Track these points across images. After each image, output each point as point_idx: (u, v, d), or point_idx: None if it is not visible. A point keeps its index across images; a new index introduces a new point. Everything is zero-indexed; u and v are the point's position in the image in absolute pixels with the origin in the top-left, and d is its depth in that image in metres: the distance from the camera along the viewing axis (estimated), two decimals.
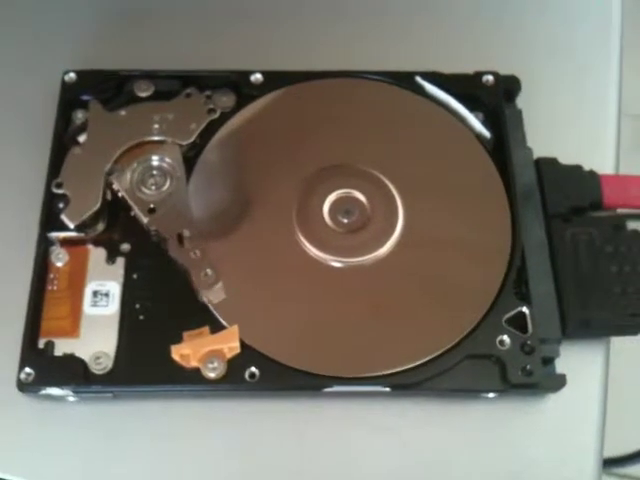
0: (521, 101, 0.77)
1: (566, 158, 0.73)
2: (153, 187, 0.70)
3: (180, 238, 0.68)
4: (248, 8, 0.83)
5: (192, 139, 0.72)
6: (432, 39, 0.82)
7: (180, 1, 0.84)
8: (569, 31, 0.83)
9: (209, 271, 0.66)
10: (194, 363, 0.63)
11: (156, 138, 0.72)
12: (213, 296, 0.66)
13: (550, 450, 0.66)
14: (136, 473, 0.64)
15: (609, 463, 1.11)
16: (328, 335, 0.66)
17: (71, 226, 0.68)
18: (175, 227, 0.68)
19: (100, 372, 0.64)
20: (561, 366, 0.66)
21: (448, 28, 0.83)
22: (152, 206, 0.68)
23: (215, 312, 0.66)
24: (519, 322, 0.66)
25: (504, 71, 0.76)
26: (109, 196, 0.70)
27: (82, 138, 0.73)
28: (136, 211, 0.68)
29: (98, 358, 0.64)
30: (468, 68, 0.76)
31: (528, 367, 0.64)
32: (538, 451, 0.66)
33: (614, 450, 1.09)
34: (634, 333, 0.68)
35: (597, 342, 0.69)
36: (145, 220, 0.67)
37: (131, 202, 0.68)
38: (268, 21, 0.82)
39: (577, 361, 0.68)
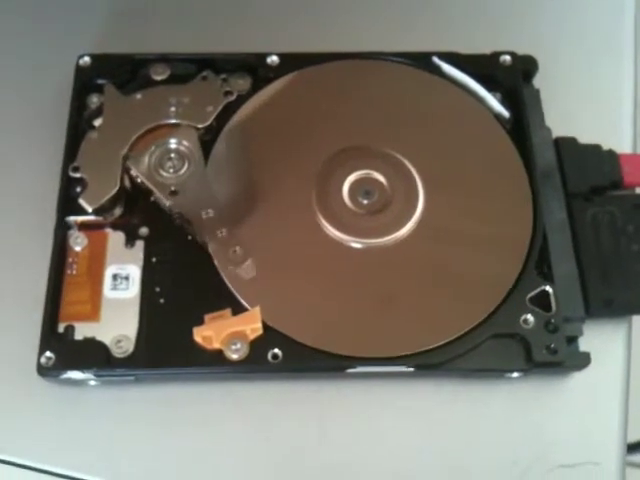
0: (538, 81, 0.76)
1: (584, 138, 0.73)
2: (171, 170, 0.69)
3: (197, 221, 0.67)
4: None
5: (209, 122, 0.72)
6: (448, 19, 0.82)
7: None
8: (585, 9, 0.83)
9: (238, 249, 0.65)
10: (216, 345, 0.63)
11: (172, 121, 0.72)
12: (244, 273, 0.66)
13: (574, 429, 0.66)
14: (159, 457, 0.64)
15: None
16: (350, 316, 0.65)
17: (89, 210, 0.68)
18: (198, 208, 0.67)
19: (121, 355, 0.64)
20: (583, 345, 0.66)
21: (464, 8, 0.82)
22: (173, 189, 0.68)
23: (237, 294, 0.65)
24: (542, 301, 0.65)
25: (520, 51, 0.76)
26: (127, 181, 0.69)
27: (97, 122, 0.72)
28: (157, 194, 0.68)
29: (119, 341, 0.64)
30: (483, 48, 0.76)
31: (552, 345, 0.63)
32: (562, 430, 0.66)
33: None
34: None
35: (619, 321, 0.69)
36: (168, 203, 0.67)
37: (151, 186, 0.68)
38: (284, 2, 0.81)
39: (600, 340, 0.67)
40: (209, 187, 0.68)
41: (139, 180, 0.69)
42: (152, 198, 0.69)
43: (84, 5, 0.81)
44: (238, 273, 0.65)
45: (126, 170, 0.69)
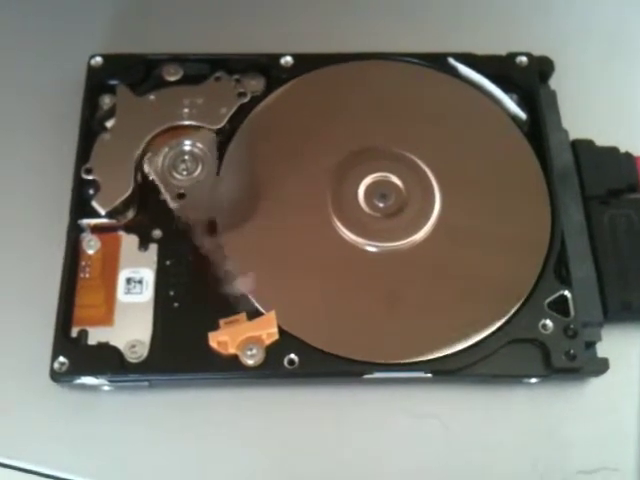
0: (553, 82, 0.76)
1: (601, 140, 0.72)
2: (184, 172, 0.69)
3: (211, 224, 0.67)
4: None
5: (222, 123, 0.71)
6: (463, 20, 0.81)
7: None
8: (601, 10, 0.82)
9: (232, 263, 0.64)
10: (232, 350, 0.62)
11: (186, 123, 0.71)
12: (239, 286, 0.65)
13: (592, 435, 0.65)
14: (174, 463, 0.63)
15: None
16: (367, 320, 0.65)
17: (102, 213, 0.67)
18: (202, 215, 0.67)
19: (136, 360, 0.63)
20: (600, 349, 0.65)
21: (479, 8, 0.81)
22: (182, 191, 0.67)
23: (252, 298, 0.64)
24: (560, 306, 0.64)
25: (535, 52, 0.75)
26: (140, 182, 0.68)
27: (110, 123, 0.71)
28: (165, 195, 0.67)
29: (133, 346, 0.63)
30: (498, 49, 0.75)
31: (571, 351, 0.63)
32: (580, 436, 0.65)
33: None
34: None
35: (637, 325, 0.68)
36: (173, 205, 0.66)
37: (161, 185, 0.67)
38: (297, 2, 0.81)
39: (617, 345, 0.66)
40: (217, 194, 0.68)
41: (151, 178, 0.68)
42: (161, 197, 0.68)
43: (96, 4, 0.81)
44: (233, 286, 0.64)
45: (139, 169, 0.68)
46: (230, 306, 0.65)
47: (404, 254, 0.67)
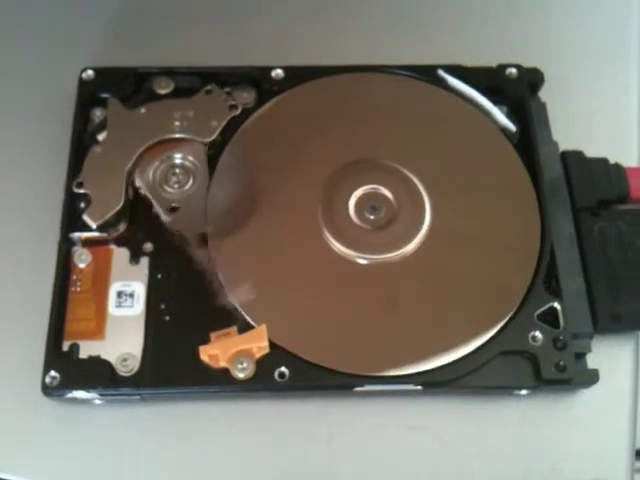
0: (543, 94, 0.76)
1: (591, 151, 0.73)
2: (176, 185, 0.69)
3: (202, 238, 0.66)
4: (267, 3, 0.82)
5: (214, 136, 0.71)
6: (453, 32, 0.81)
7: None
8: (591, 22, 0.83)
9: (227, 274, 0.64)
10: (223, 364, 0.63)
11: (177, 136, 0.71)
12: (240, 296, 0.65)
13: (583, 445, 0.65)
14: (165, 476, 0.63)
15: None
16: (358, 333, 0.65)
17: (93, 226, 0.67)
18: (197, 227, 0.66)
19: (127, 374, 0.63)
20: (591, 360, 0.65)
21: (469, 20, 0.82)
22: (174, 205, 0.67)
23: (242, 312, 0.65)
24: (550, 317, 0.65)
25: (524, 63, 0.75)
26: (131, 196, 0.68)
27: (101, 137, 0.71)
28: (157, 209, 0.67)
29: (125, 360, 0.63)
30: (487, 61, 0.75)
31: (561, 363, 0.63)
32: (571, 446, 0.65)
33: None
34: None
35: (626, 336, 0.69)
36: (166, 219, 0.66)
37: (153, 200, 0.67)
38: (288, 16, 0.82)
39: (607, 355, 0.67)
40: (210, 206, 0.68)
41: (142, 192, 0.68)
42: (153, 210, 0.68)
43: (86, 18, 0.81)
44: (234, 296, 0.64)
45: (130, 183, 0.68)
46: (221, 319, 0.64)
47: (394, 266, 0.67)
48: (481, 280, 0.66)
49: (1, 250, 0.70)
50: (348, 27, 0.80)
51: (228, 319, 0.65)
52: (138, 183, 0.68)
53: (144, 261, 0.68)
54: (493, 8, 0.82)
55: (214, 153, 0.71)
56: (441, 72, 0.74)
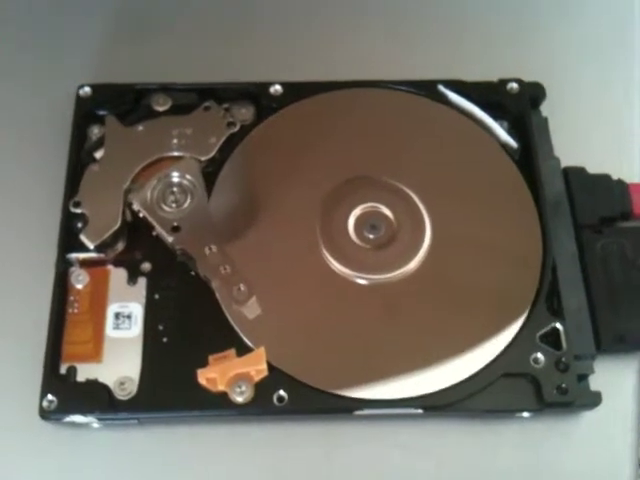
0: (545, 109, 0.75)
1: (593, 167, 0.72)
2: (174, 204, 0.68)
3: (204, 256, 0.66)
4: (265, 18, 0.81)
5: (212, 154, 0.70)
6: (452, 47, 0.81)
7: (196, 12, 0.82)
8: (592, 36, 0.82)
9: (242, 286, 0.64)
10: (221, 387, 0.62)
11: (175, 154, 0.70)
12: (248, 312, 0.64)
13: (585, 468, 0.65)
14: None
15: None
16: (358, 356, 0.64)
17: (91, 246, 0.67)
18: (201, 244, 0.66)
19: (125, 398, 0.63)
20: (594, 382, 0.64)
21: (468, 35, 0.81)
22: (175, 224, 0.66)
23: (241, 333, 0.64)
24: (552, 338, 0.64)
25: (526, 78, 0.75)
26: (128, 215, 0.67)
27: (99, 154, 0.71)
28: (159, 230, 0.66)
29: (122, 383, 0.63)
30: (488, 75, 0.74)
31: (563, 385, 0.62)
32: (574, 469, 0.65)
33: None
34: None
35: (629, 357, 0.68)
36: (170, 239, 0.66)
37: (153, 221, 0.67)
38: (286, 31, 0.81)
39: (610, 376, 0.66)
40: (212, 222, 0.67)
41: (141, 215, 0.67)
42: (154, 232, 0.68)
43: (84, 34, 0.80)
44: (243, 312, 0.64)
45: (128, 204, 0.67)
46: (219, 340, 0.64)
47: (395, 287, 0.66)
48: (482, 301, 0.66)
49: None
50: (347, 42, 0.80)
51: (227, 341, 0.64)
52: (136, 204, 0.67)
53: (142, 281, 0.67)
54: (494, 23, 0.82)
55: (212, 170, 0.70)
56: (441, 87, 0.73)
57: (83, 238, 0.67)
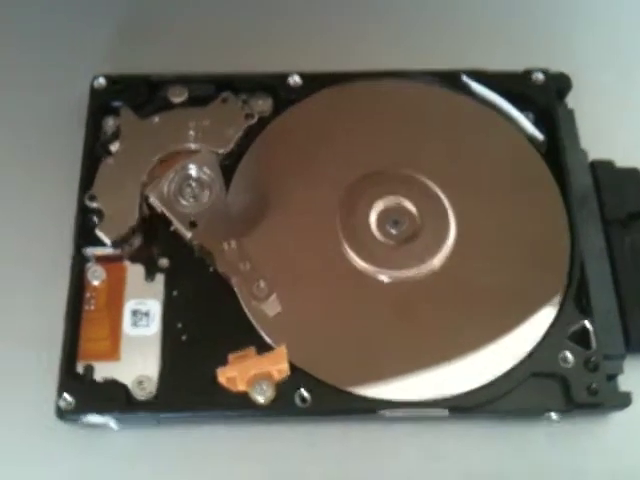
0: (571, 101, 0.73)
1: (621, 161, 0.70)
2: (191, 199, 0.66)
3: (222, 250, 0.64)
4: (283, 8, 0.79)
5: (230, 147, 0.68)
6: (475, 36, 0.79)
7: (213, 2, 0.80)
8: (618, 26, 0.80)
9: (262, 283, 0.62)
10: (241, 387, 0.61)
11: (192, 146, 0.68)
12: (268, 309, 0.63)
13: (615, 469, 0.63)
14: None
15: None
16: (381, 355, 0.63)
17: (107, 242, 0.65)
18: (219, 239, 0.64)
19: (143, 398, 0.61)
20: (622, 382, 0.63)
21: (492, 24, 0.79)
22: (193, 219, 0.65)
23: (261, 331, 0.62)
24: (581, 337, 0.62)
25: (552, 68, 0.73)
26: (145, 210, 0.66)
27: (114, 147, 0.69)
28: (177, 226, 0.65)
29: (141, 383, 0.61)
30: (513, 66, 0.73)
31: (593, 385, 0.61)
32: (602, 471, 0.63)
33: None
34: None
35: None
36: (188, 235, 0.64)
37: (171, 216, 0.65)
38: (305, 21, 0.78)
39: (638, 376, 0.63)
40: (230, 217, 0.65)
41: (158, 209, 0.66)
42: (172, 227, 0.66)
43: (97, 24, 0.78)
44: (262, 309, 0.62)
45: (144, 198, 0.66)
46: (239, 338, 0.63)
47: (419, 284, 0.65)
48: (509, 299, 0.64)
49: (12, 267, 0.68)
50: (367, 32, 0.78)
51: (247, 338, 0.63)
52: (153, 198, 0.65)
53: (159, 278, 0.65)
54: (518, 11, 0.80)
55: (230, 163, 0.69)
56: (465, 78, 0.71)
57: (99, 233, 0.65)
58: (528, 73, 0.72)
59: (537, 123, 0.71)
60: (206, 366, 0.62)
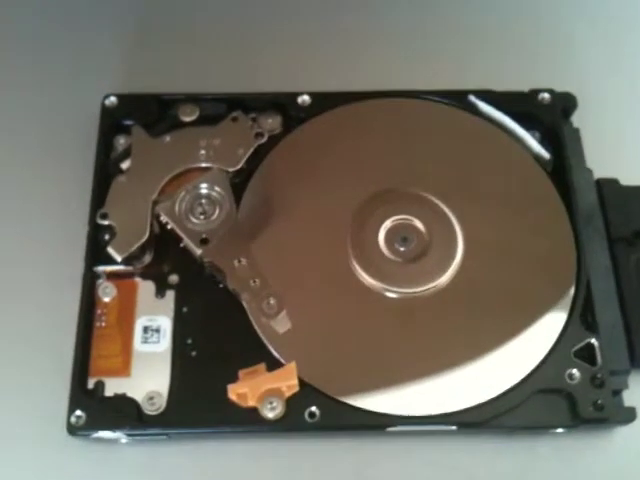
0: (576, 120, 0.74)
1: (626, 179, 0.71)
2: (202, 216, 0.67)
3: (236, 268, 0.65)
4: (293, 28, 0.80)
5: (240, 165, 0.69)
6: (482, 56, 0.80)
7: (223, 23, 0.81)
8: (623, 45, 0.81)
9: (272, 300, 0.63)
10: (252, 403, 0.61)
11: (203, 165, 0.69)
12: (278, 326, 0.63)
13: None
14: None
15: None
16: (390, 371, 0.63)
17: (118, 259, 0.66)
18: (230, 257, 0.65)
19: (154, 413, 0.62)
20: (627, 397, 0.64)
21: (498, 45, 0.80)
22: (204, 236, 0.65)
23: (271, 348, 0.63)
24: (587, 353, 0.63)
25: (557, 88, 0.74)
26: (156, 227, 0.66)
27: (125, 165, 0.70)
28: (187, 243, 0.65)
29: (151, 398, 0.62)
30: (519, 86, 0.74)
31: (599, 401, 0.61)
32: None
33: None
34: None
35: None
36: (198, 252, 0.65)
37: (182, 234, 0.66)
38: (314, 41, 0.79)
39: None
40: (240, 234, 0.66)
41: (169, 227, 0.67)
42: (182, 244, 0.67)
43: (108, 43, 0.79)
44: (272, 326, 0.63)
45: (155, 216, 0.67)
46: (249, 354, 0.64)
47: (426, 300, 0.65)
48: (515, 315, 0.65)
49: (23, 284, 0.68)
50: (376, 52, 0.79)
51: (257, 355, 0.64)
52: (163, 216, 0.66)
53: (170, 294, 0.66)
54: (524, 32, 0.80)
55: (240, 182, 0.69)
56: (472, 97, 0.72)
57: (110, 251, 0.66)
58: (534, 93, 0.73)
59: (543, 142, 0.72)
60: (216, 382, 0.62)
